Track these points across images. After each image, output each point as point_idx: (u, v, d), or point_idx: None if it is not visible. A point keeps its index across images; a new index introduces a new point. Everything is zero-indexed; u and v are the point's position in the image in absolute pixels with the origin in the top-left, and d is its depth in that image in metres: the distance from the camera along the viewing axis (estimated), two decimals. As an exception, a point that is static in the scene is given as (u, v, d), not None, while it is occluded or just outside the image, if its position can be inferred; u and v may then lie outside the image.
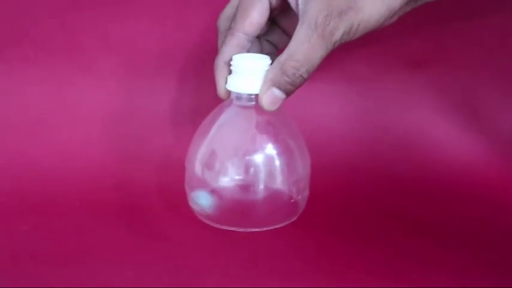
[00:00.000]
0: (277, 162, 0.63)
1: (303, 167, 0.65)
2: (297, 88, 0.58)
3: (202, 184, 0.64)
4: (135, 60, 0.84)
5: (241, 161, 0.63)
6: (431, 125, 0.88)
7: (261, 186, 0.63)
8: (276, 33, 0.65)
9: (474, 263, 0.66)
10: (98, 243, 0.69)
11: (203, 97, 0.83)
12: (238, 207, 0.64)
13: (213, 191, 0.64)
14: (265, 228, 0.63)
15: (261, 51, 0.64)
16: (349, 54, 0.85)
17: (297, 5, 0.57)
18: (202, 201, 0.65)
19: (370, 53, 0.86)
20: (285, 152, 0.63)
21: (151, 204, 0.77)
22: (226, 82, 0.61)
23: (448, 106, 0.88)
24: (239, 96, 0.62)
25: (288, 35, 0.64)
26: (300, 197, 0.66)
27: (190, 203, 0.67)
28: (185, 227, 0.72)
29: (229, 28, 0.61)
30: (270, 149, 0.63)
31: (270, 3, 0.60)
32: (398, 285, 0.63)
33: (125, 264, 0.65)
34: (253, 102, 0.62)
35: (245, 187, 0.63)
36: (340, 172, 0.83)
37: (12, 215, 0.74)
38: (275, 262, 0.66)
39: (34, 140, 0.83)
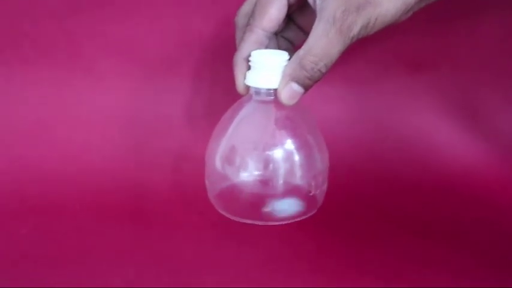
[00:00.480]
0: (296, 157, 0.64)
1: (322, 161, 0.66)
2: (315, 82, 0.59)
3: (223, 179, 0.64)
4: (136, 62, 0.84)
5: (260, 155, 0.63)
6: (432, 126, 0.88)
7: (280, 181, 0.63)
8: (292, 30, 0.66)
9: (474, 264, 0.66)
10: (98, 245, 0.68)
11: (208, 98, 0.85)
12: (258, 201, 0.64)
13: (233, 186, 0.64)
14: (284, 222, 0.64)
15: (278, 48, 0.65)
16: (349, 56, 0.84)
17: (315, 1, 0.58)
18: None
19: (371, 55, 0.86)
20: (303, 146, 0.64)
21: (152, 205, 0.77)
22: (245, 78, 0.62)
23: (448, 107, 0.88)
24: (258, 91, 0.63)
25: (304, 32, 0.65)
26: (318, 191, 0.67)
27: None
28: (186, 228, 0.72)
29: (248, 24, 0.62)
30: (289, 144, 0.64)
31: (288, 0, 0.61)
32: (399, 285, 0.63)
33: (126, 265, 0.65)
34: (272, 97, 0.62)
35: (264, 181, 0.63)
36: (340, 173, 0.81)
37: (12, 217, 0.73)
38: (275, 262, 0.66)
39: (34, 142, 0.82)
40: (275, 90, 0.60)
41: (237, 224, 0.65)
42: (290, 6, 0.62)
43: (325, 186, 0.67)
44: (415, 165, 0.86)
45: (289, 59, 0.60)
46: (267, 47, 0.63)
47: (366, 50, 0.86)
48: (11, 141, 0.82)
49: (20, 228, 0.71)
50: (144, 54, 0.84)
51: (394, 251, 0.69)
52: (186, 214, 0.74)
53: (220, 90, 0.83)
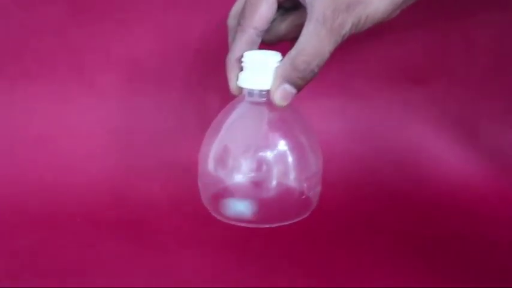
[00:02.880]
0: (289, 158, 0.63)
1: (315, 162, 0.65)
2: (307, 83, 0.59)
3: (215, 181, 0.64)
4: (137, 75, 0.85)
5: (253, 157, 0.63)
6: (430, 141, 0.89)
7: (273, 182, 0.63)
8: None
9: (472, 278, 0.66)
10: (99, 257, 0.69)
11: (206, 110, 0.85)
12: (250, 203, 0.64)
13: (225, 188, 0.64)
14: (276, 225, 0.63)
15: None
16: (348, 70, 0.86)
17: None
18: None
19: (369, 68, 0.87)
20: (296, 147, 0.63)
21: (152, 218, 0.77)
22: (237, 79, 0.62)
23: (447, 122, 0.89)
24: (251, 92, 0.62)
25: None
26: (311, 193, 0.66)
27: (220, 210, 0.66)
28: (187, 239, 0.72)
29: (239, 25, 0.62)
30: (282, 145, 0.63)
31: None
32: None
33: (127, 278, 0.65)
34: (265, 98, 0.62)
35: (257, 183, 0.63)
36: (337, 187, 0.83)
37: (13, 229, 0.74)
38: (272, 278, 0.66)
39: (36, 155, 0.83)
40: (268, 91, 0.60)
41: (231, 228, 0.64)
42: (281, 3, 0.61)
43: (318, 189, 0.66)
44: (413, 180, 0.86)
45: (282, 60, 0.59)
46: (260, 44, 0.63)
47: (365, 63, 0.86)
48: (13, 155, 0.83)
49: (19, 239, 0.72)
50: (145, 69, 0.85)
51: (389, 263, 0.69)
52: (188, 226, 0.75)
53: (218, 101, 0.84)
